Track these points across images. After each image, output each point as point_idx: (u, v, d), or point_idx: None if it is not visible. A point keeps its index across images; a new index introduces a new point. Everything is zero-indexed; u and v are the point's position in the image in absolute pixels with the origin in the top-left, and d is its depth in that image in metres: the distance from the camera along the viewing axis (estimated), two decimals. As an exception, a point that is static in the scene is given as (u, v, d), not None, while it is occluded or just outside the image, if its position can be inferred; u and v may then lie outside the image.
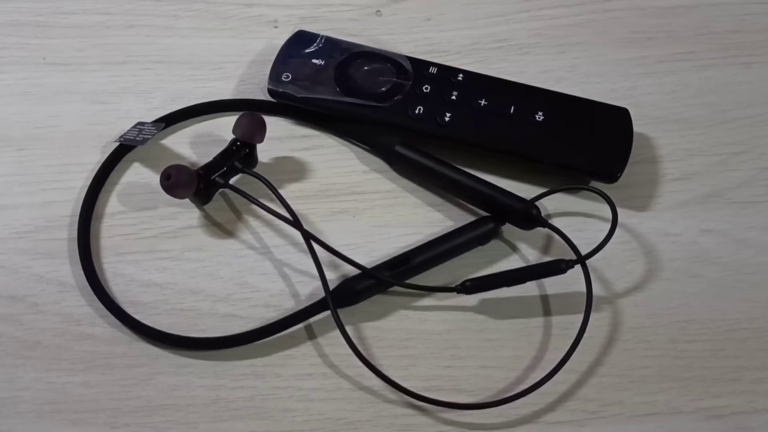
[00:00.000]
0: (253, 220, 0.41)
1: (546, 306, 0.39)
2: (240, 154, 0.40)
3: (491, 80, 0.44)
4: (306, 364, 0.37)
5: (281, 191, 0.39)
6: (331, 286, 0.38)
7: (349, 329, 0.37)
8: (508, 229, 0.41)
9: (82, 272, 0.39)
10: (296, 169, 0.43)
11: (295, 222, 0.38)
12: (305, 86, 0.43)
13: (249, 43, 0.47)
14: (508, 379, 0.37)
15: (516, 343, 0.38)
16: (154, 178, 0.40)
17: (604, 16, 0.49)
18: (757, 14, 0.49)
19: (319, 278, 0.37)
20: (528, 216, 0.39)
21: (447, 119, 0.42)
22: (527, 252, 0.41)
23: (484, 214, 0.41)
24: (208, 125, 0.44)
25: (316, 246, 0.38)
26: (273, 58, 0.45)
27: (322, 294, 0.38)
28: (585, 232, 0.40)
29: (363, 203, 0.42)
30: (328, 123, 0.44)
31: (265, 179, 0.40)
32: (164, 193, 0.38)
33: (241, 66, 0.46)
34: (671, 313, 0.39)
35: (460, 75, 0.44)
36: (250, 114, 0.41)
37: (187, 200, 0.40)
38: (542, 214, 0.39)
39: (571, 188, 0.42)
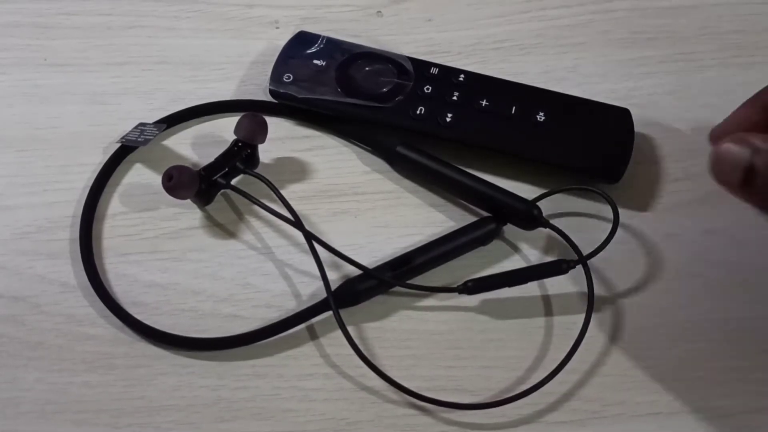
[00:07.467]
0: (255, 221, 0.41)
1: (547, 306, 0.39)
2: (241, 155, 0.40)
3: (492, 81, 0.44)
4: (308, 364, 0.37)
5: (283, 192, 0.39)
6: (333, 287, 0.38)
7: (350, 329, 0.37)
8: (510, 230, 0.41)
9: (84, 273, 0.39)
10: (297, 170, 0.43)
11: (297, 222, 0.38)
12: (306, 87, 0.43)
13: (250, 43, 0.47)
14: (509, 379, 0.37)
15: (518, 343, 0.38)
16: (156, 179, 0.40)
17: (606, 16, 0.49)
18: (759, 14, 0.49)
19: (320, 279, 0.37)
20: (529, 216, 0.39)
21: (448, 120, 0.42)
22: (528, 252, 0.41)
23: (486, 214, 0.41)
24: (210, 126, 0.44)
25: (317, 246, 0.38)
26: (274, 58, 0.45)
27: (323, 294, 0.38)
28: (586, 233, 0.40)
29: (364, 204, 0.42)
30: (330, 124, 0.44)
31: (267, 180, 0.40)
32: (166, 193, 0.38)
33: (242, 67, 0.46)
34: (673, 313, 0.39)
35: (462, 75, 0.44)
36: (252, 115, 0.41)
37: (188, 201, 0.40)
38: (543, 215, 0.39)
39: (573, 189, 0.42)
